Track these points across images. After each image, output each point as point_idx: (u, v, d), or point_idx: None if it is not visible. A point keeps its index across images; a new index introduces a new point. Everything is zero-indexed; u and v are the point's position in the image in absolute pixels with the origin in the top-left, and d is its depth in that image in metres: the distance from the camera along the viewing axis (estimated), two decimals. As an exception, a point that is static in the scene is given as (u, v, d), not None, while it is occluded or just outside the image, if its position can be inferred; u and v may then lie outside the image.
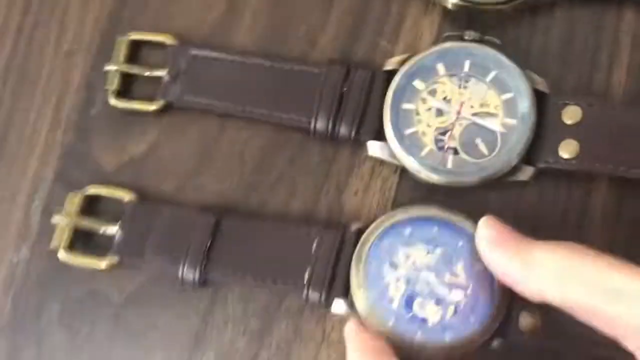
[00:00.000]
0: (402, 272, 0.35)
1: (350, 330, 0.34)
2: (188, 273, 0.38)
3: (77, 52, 0.45)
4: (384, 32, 0.42)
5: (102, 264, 0.40)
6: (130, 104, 0.43)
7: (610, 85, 0.40)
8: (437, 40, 0.42)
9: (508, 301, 0.34)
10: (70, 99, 0.44)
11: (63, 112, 0.44)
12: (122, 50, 0.43)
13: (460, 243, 0.35)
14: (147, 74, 0.43)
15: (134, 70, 0.43)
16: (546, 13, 0.41)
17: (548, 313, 0.33)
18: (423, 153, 0.38)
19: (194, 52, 0.42)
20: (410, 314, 0.34)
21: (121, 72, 0.43)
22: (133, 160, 0.43)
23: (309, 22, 0.43)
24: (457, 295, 0.34)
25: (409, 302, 0.34)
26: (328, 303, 0.37)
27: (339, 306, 0.36)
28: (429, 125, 0.39)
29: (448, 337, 0.33)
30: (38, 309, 0.41)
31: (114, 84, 0.43)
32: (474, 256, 0.34)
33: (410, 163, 0.38)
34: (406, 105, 0.39)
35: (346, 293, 0.36)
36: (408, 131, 0.39)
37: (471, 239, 0.34)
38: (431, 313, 0.34)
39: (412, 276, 0.35)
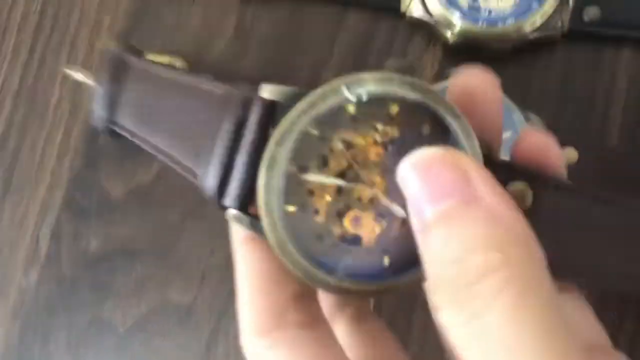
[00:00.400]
0: (333, 171, 0.23)
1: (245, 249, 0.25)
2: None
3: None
4: (386, 67, 0.43)
5: None
6: (138, 132, 0.43)
7: (606, 123, 0.41)
8: (438, 76, 0.42)
9: None
10: (79, 125, 0.45)
11: (72, 138, 0.45)
12: (130, 76, 0.44)
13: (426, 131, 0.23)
14: (154, 100, 0.44)
15: (142, 96, 0.44)
16: (546, 51, 0.42)
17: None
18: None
19: (201, 79, 0.43)
20: (339, 231, 0.23)
21: (130, 100, 0.44)
22: (140, 187, 0.44)
23: (313, 55, 0.44)
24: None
25: (339, 213, 0.23)
26: (222, 206, 0.26)
27: (235, 218, 0.25)
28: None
29: (387, 262, 0.23)
30: (45, 335, 0.43)
31: (122, 111, 0.43)
32: None
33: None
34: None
35: (247, 202, 0.25)
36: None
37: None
38: (368, 229, 0.23)
39: (349, 177, 0.23)
